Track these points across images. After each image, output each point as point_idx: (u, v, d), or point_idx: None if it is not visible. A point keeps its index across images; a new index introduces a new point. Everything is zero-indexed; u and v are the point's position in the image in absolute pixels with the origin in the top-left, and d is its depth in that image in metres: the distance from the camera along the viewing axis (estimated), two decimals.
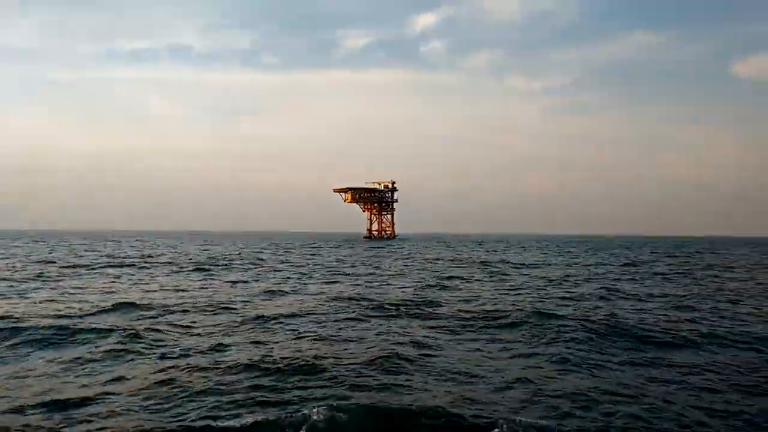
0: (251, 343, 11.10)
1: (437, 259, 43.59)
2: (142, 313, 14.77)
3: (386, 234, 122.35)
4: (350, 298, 17.98)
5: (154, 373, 8.82)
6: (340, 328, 12.81)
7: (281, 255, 47.66)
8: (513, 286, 23.09)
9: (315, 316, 14.56)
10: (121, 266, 31.58)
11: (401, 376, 8.77)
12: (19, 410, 6.98)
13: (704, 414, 7.15)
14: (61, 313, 14.41)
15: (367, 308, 15.87)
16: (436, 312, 15.30)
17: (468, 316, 14.62)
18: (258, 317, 14.11)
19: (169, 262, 34.68)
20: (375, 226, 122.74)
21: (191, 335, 12.02)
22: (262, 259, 40.17)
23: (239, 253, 48.76)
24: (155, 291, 19.88)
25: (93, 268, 29.78)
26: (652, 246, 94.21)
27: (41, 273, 26.27)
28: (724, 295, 20.40)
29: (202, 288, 21.10)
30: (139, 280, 24.07)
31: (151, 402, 7.33)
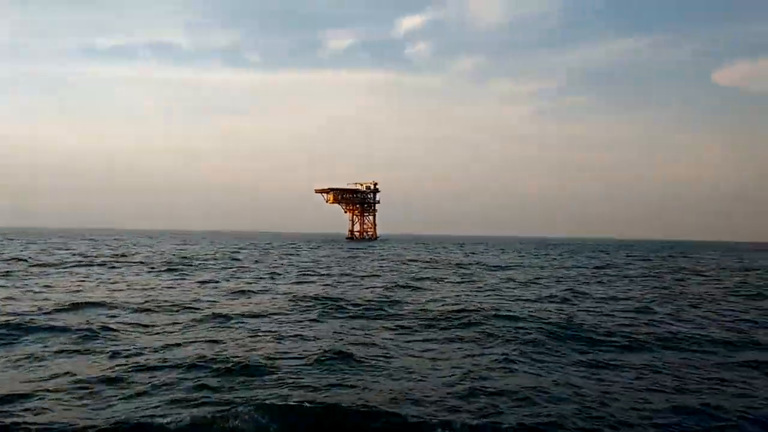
0: (207, 342, 11.09)
1: (413, 261, 43.77)
2: (102, 311, 14.66)
3: (368, 235, 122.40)
4: (317, 298, 18.01)
5: (103, 371, 8.79)
6: (300, 328, 12.86)
7: (258, 255, 47.46)
8: (481, 287, 23.32)
9: (277, 316, 14.59)
10: (91, 265, 31.21)
11: (349, 375, 8.85)
12: None
13: (637, 415, 7.32)
14: (20, 311, 14.24)
15: (331, 308, 15.93)
16: (399, 312, 15.42)
17: (429, 316, 14.76)
18: (219, 316, 14.11)
19: (142, 262, 34.35)
20: (357, 227, 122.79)
21: (149, 334, 11.98)
22: (237, 259, 39.98)
23: (215, 253, 48.45)
24: (121, 290, 19.71)
25: (63, 267, 29.39)
26: (632, 249, 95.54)
27: (9, 271, 25.85)
28: (687, 299, 20.82)
29: (170, 288, 20.97)
30: (108, 279, 23.83)
31: (91, 399, 7.32)
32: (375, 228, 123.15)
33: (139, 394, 7.57)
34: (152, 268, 30.60)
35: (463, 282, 25.90)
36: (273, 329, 12.58)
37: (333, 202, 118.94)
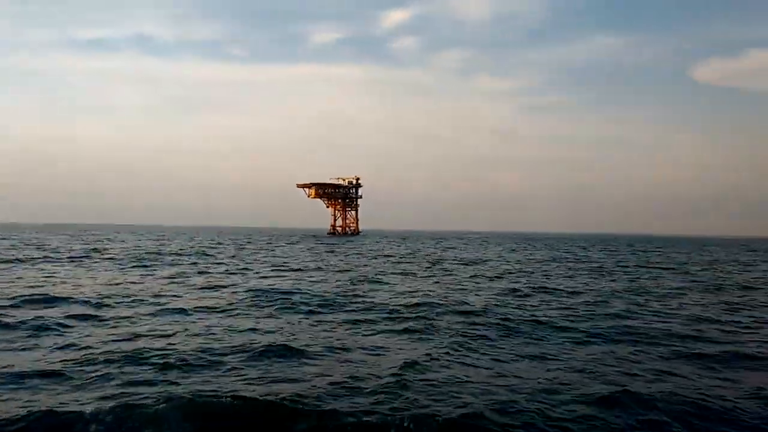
0: (156, 336, 11.13)
1: (389, 256, 43.97)
2: (59, 306, 14.59)
3: (350, 230, 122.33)
4: (281, 293, 18.10)
5: (43, 365, 8.79)
6: (254, 322, 12.93)
7: (234, 250, 47.32)
8: (448, 282, 23.56)
9: (236, 310, 14.64)
10: (60, 260, 30.92)
11: (291, 368, 8.97)
12: None
13: (549, 405, 7.44)
14: None
15: (293, 303, 16.04)
16: (357, 307, 15.56)
17: (387, 310, 14.92)
18: (177, 311, 14.15)
19: (113, 258, 34.09)
20: (339, 222, 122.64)
21: (101, 328, 12.02)
22: (211, 255, 39.83)
23: (191, 248, 48.20)
24: (83, 285, 19.59)
25: (31, 263, 29.07)
26: (608, 243, 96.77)
27: None
28: (652, 292, 21.13)
29: (134, 283, 20.89)
30: (73, 274, 23.65)
31: (23, 393, 7.36)
32: (357, 223, 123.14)
33: (74, 388, 7.62)
34: (122, 263, 30.41)
35: (431, 276, 26.14)
36: (227, 323, 12.65)
37: (315, 197, 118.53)
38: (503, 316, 14.24)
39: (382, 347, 10.73)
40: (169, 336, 11.11)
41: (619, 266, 36.15)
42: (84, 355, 9.46)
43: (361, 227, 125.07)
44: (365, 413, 6.82)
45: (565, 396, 7.96)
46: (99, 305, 15.00)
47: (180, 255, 38.46)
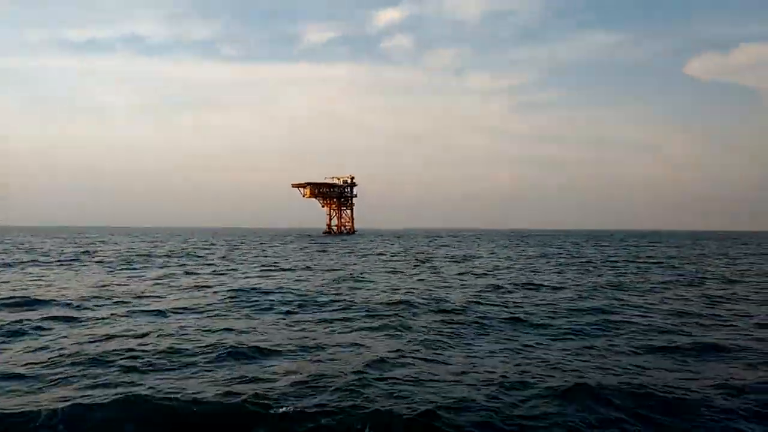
0: (130, 336, 11.12)
1: (381, 254, 43.99)
2: (41, 308, 14.59)
3: (346, 229, 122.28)
4: (264, 293, 18.14)
5: (12, 367, 8.77)
6: (230, 322, 12.93)
7: (226, 251, 47.28)
8: (434, 278, 23.58)
9: (216, 311, 14.61)
10: (49, 264, 30.84)
11: (256, 367, 8.97)
12: None
13: (512, 402, 7.44)
14: None
15: (273, 303, 16.04)
16: (336, 307, 15.53)
17: (365, 308, 14.93)
18: (157, 312, 14.14)
19: (102, 260, 34.01)
20: (335, 222, 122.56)
21: (79, 328, 12.06)
22: (201, 256, 39.79)
23: (183, 250, 48.14)
24: (69, 288, 19.55)
25: (21, 267, 28.98)
26: (601, 239, 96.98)
27: None
28: (636, 287, 21.17)
29: (119, 284, 20.85)
30: (61, 278, 23.60)
31: None
32: (353, 222, 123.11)
33: (34, 390, 7.61)
34: (110, 265, 30.36)
35: (418, 274, 26.16)
36: (203, 324, 12.63)
37: (310, 197, 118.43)
38: (482, 314, 14.26)
39: (355, 345, 10.73)
40: (141, 337, 11.10)
41: (608, 261, 36.23)
42: (52, 357, 9.45)
43: (357, 226, 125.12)
44: (324, 414, 6.81)
45: (531, 392, 7.97)
46: (79, 307, 14.98)
47: (170, 257, 38.41)
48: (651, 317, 14.30)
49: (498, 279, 23.57)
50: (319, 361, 9.58)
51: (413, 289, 19.70)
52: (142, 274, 25.59)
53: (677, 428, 6.77)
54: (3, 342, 10.80)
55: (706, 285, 22.22)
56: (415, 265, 31.62)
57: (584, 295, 18.49)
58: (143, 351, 9.73)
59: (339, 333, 11.91)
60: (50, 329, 11.90)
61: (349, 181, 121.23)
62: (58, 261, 32.48)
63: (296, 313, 14.51)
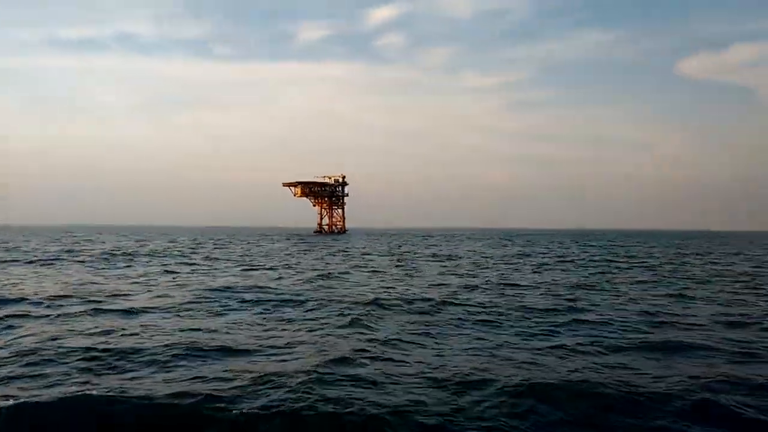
0: (85, 335, 10.97)
1: (366, 253, 43.95)
2: (11, 307, 14.44)
3: (337, 228, 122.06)
4: (239, 291, 18.08)
5: None
6: (198, 321, 12.87)
7: (211, 250, 47.07)
8: (414, 277, 23.59)
9: (188, 310, 14.47)
10: (31, 263, 30.57)
11: (215, 366, 8.91)
12: None
13: (465, 404, 7.36)
14: None
15: (246, 301, 15.99)
16: (310, 305, 15.47)
17: (336, 308, 14.86)
18: (123, 310, 14.05)
19: (83, 260, 33.73)
20: (326, 221, 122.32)
21: (47, 325, 12.06)
22: (186, 255, 39.58)
23: (169, 249, 47.87)
24: (43, 287, 19.36)
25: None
26: (590, 238, 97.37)
27: None
28: (612, 287, 21.24)
29: (96, 283, 20.68)
30: (39, 277, 23.38)
31: None
32: (344, 221, 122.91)
33: None
34: (91, 264, 30.13)
35: (398, 272, 26.16)
36: (170, 323, 12.55)
37: (301, 196, 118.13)
38: (454, 313, 14.25)
39: (321, 344, 10.68)
40: (103, 335, 10.99)
41: (590, 261, 36.37)
42: (5, 355, 9.32)
43: (351, 226, 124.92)
44: (274, 416, 6.74)
45: (489, 392, 7.93)
46: (49, 306, 14.83)
47: (154, 256, 38.18)
48: (622, 317, 14.34)
49: (476, 278, 23.59)
50: (282, 360, 9.50)
51: (390, 288, 19.68)
52: (122, 272, 25.42)
53: (625, 428, 6.77)
54: None
55: (681, 285, 22.34)
56: (396, 265, 31.60)
57: (560, 294, 18.53)
58: (103, 350, 9.63)
59: (308, 332, 11.85)
60: (12, 327, 11.77)
61: (340, 180, 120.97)
62: (40, 260, 32.17)
63: (268, 312, 14.43)
